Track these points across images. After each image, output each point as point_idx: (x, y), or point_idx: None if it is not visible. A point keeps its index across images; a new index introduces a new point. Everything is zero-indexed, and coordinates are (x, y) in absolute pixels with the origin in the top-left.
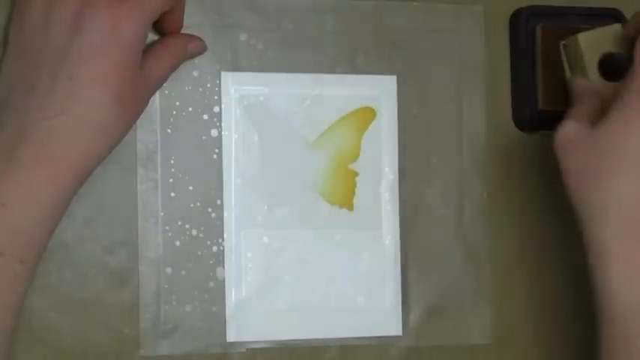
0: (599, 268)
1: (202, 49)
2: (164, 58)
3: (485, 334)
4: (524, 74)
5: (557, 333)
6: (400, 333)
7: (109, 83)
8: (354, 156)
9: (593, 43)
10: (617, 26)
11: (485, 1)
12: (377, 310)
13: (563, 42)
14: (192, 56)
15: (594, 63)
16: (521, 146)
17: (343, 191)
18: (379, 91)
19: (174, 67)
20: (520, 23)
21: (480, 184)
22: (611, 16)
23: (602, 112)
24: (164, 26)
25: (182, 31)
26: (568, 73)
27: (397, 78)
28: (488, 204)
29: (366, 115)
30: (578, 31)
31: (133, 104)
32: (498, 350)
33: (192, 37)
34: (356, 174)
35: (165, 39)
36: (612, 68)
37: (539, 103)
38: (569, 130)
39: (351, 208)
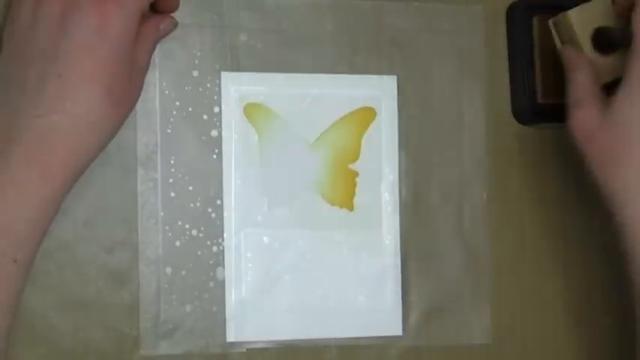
0: (633, 252)
1: (173, 26)
2: (141, 43)
3: (485, 334)
4: (522, 67)
5: (556, 333)
6: (400, 333)
7: (98, 80)
8: (354, 156)
9: (584, 19)
10: (607, 0)
11: (485, 0)
12: (377, 310)
13: (552, 19)
14: (165, 35)
15: (586, 38)
16: (520, 139)
17: (343, 191)
18: (379, 91)
19: (152, 50)
20: (517, 16)
21: (479, 184)
22: None
23: (599, 82)
24: (161, 7)
25: (181, 32)
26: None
27: (397, 78)
28: (488, 204)
29: (366, 115)
30: None
31: (123, 99)
32: (498, 350)
33: (162, 16)
34: (356, 174)
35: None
36: (605, 41)
37: (537, 95)
38: (583, 118)
39: (351, 208)
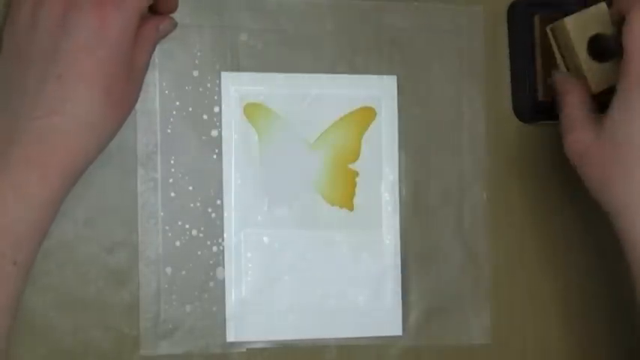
0: (636, 261)
1: (172, 27)
2: (141, 44)
3: (485, 334)
4: (524, 65)
5: (556, 333)
6: (400, 333)
7: (97, 82)
8: (354, 156)
9: (580, 26)
10: (602, 6)
11: (485, 0)
12: (377, 310)
13: (550, 26)
14: (164, 35)
15: (583, 45)
16: (521, 137)
17: (343, 191)
18: (379, 91)
19: (152, 51)
20: (518, 14)
21: (479, 184)
22: (609, 5)
23: (595, 89)
24: (160, 8)
25: (181, 32)
26: (559, 58)
27: (397, 78)
28: (488, 204)
29: (366, 115)
30: None
31: (123, 100)
32: (498, 350)
33: (161, 17)
34: (356, 174)
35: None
36: (601, 49)
37: (538, 93)
38: (577, 142)
39: (351, 208)
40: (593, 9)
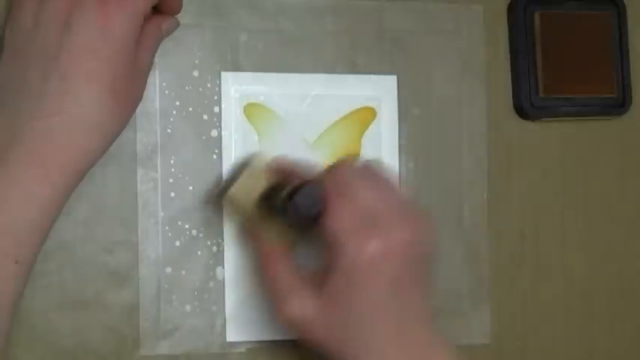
0: None
1: (175, 27)
2: (144, 44)
3: (485, 334)
4: (524, 62)
5: (556, 333)
6: None
7: (101, 81)
8: (354, 156)
9: (247, 192)
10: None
11: (485, 0)
12: None
13: (225, 199)
14: (167, 34)
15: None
16: (522, 135)
17: None
18: (379, 91)
19: (155, 51)
20: (518, 11)
21: (480, 184)
22: (609, 1)
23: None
24: (164, 10)
25: (181, 32)
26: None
27: (397, 78)
28: (488, 204)
29: (366, 115)
30: (576, 17)
31: (126, 99)
32: (498, 350)
33: (164, 17)
34: None
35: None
36: (271, 207)
37: (539, 90)
38: (298, 311)
39: None
40: (248, 172)
